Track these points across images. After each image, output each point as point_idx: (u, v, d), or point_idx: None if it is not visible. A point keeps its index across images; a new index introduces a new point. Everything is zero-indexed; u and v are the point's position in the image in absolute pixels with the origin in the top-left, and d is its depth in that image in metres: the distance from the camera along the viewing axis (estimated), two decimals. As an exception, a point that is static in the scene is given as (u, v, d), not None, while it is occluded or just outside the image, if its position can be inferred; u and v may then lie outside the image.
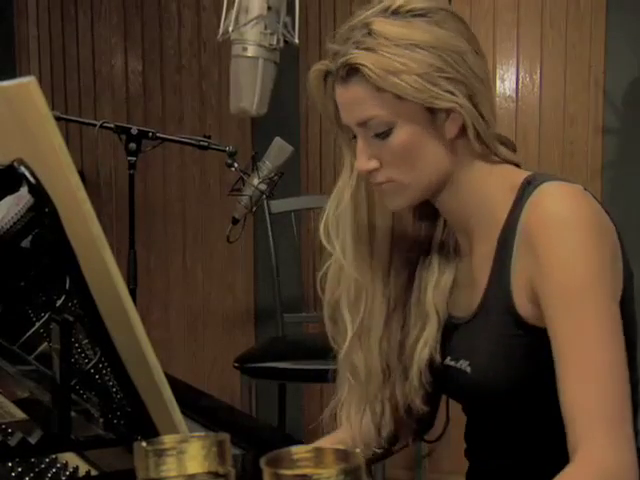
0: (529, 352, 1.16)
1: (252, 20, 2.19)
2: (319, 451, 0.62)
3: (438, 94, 1.12)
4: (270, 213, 3.09)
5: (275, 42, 2.23)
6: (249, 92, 2.24)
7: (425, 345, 1.25)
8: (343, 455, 0.62)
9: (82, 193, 0.71)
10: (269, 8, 2.20)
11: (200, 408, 1.19)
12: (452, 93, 1.13)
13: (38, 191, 0.81)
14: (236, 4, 2.19)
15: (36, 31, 3.93)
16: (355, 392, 1.33)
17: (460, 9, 3.25)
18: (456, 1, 3.27)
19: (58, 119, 2.46)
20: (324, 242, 1.26)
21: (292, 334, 3.20)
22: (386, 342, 1.30)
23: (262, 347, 3.13)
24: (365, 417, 1.33)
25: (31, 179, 0.81)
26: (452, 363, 1.25)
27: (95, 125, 2.46)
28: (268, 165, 2.50)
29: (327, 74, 1.20)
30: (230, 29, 2.19)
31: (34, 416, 1.06)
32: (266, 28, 2.21)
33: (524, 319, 1.15)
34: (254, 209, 2.54)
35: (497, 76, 3.27)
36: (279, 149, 2.53)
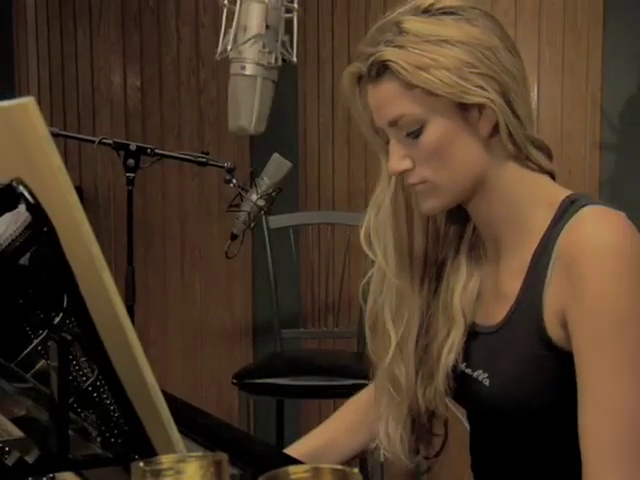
0: (554, 375, 1.14)
1: (250, 39, 2.20)
2: (317, 471, 0.62)
3: (469, 89, 1.10)
4: (269, 229, 3.10)
5: (273, 60, 2.24)
6: (247, 111, 2.24)
7: (451, 350, 1.22)
8: (342, 475, 0.61)
9: (81, 213, 0.71)
10: (267, 27, 2.21)
11: (198, 426, 1.19)
12: (483, 88, 1.10)
13: (37, 211, 0.81)
14: (234, 22, 2.20)
15: (35, 47, 3.94)
16: (394, 404, 1.30)
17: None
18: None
19: (56, 135, 2.47)
20: (365, 249, 1.24)
21: (290, 350, 3.20)
22: (419, 349, 1.27)
23: (260, 363, 3.12)
24: (400, 429, 1.31)
25: (30, 198, 0.81)
26: (468, 371, 1.23)
27: (94, 141, 2.46)
28: (266, 181, 2.50)
29: (360, 78, 1.18)
30: (229, 48, 2.20)
31: (32, 434, 1.06)
32: (264, 47, 2.22)
33: (553, 341, 1.12)
34: (253, 225, 2.54)
35: (495, 92, 3.28)
36: (277, 165, 2.54)
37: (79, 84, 3.89)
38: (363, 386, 2.59)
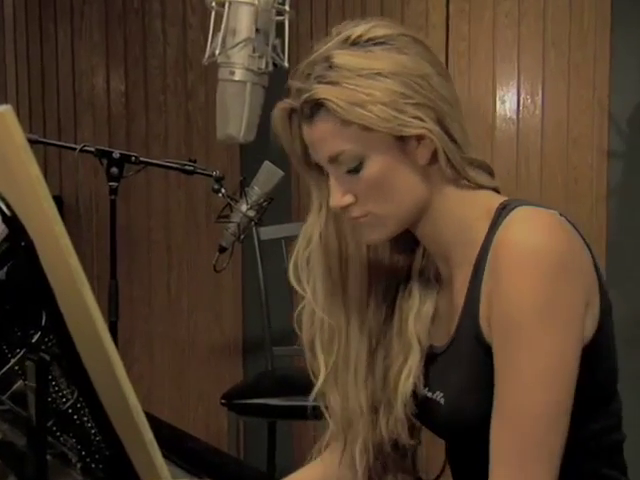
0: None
1: (240, 43, 2.20)
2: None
3: (406, 121, 1.14)
4: (259, 240, 3.10)
5: (264, 66, 2.24)
6: (236, 118, 2.24)
7: (408, 376, 1.27)
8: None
9: (60, 226, 0.72)
10: (257, 30, 2.21)
11: (183, 450, 1.19)
12: (420, 119, 1.15)
13: (14, 223, 0.82)
14: (223, 26, 2.20)
15: (13, 49, 3.94)
16: (335, 437, 1.37)
17: (458, 27, 3.29)
18: (454, 20, 3.30)
19: (36, 142, 2.47)
20: (294, 284, 1.29)
21: (282, 368, 3.19)
22: (371, 378, 1.32)
23: (250, 382, 3.12)
24: (344, 459, 1.37)
25: (6, 211, 0.81)
26: (429, 394, 1.27)
27: (75, 149, 2.46)
28: (257, 190, 2.50)
29: (292, 112, 1.23)
30: (217, 52, 2.20)
31: (7, 460, 1.06)
32: (254, 51, 2.22)
33: (490, 346, 1.15)
34: (242, 237, 2.54)
35: (497, 97, 3.29)
36: (268, 174, 2.53)
37: (60, 88, 3.90)
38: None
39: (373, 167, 1.17)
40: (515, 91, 3.27)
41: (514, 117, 3.27)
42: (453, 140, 1.18)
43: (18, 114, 0.70)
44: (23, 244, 0.82)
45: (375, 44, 1.17)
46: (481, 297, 1.17)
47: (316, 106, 1.16)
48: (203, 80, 3.63)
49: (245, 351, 3.74)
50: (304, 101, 1.18)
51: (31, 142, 2.36)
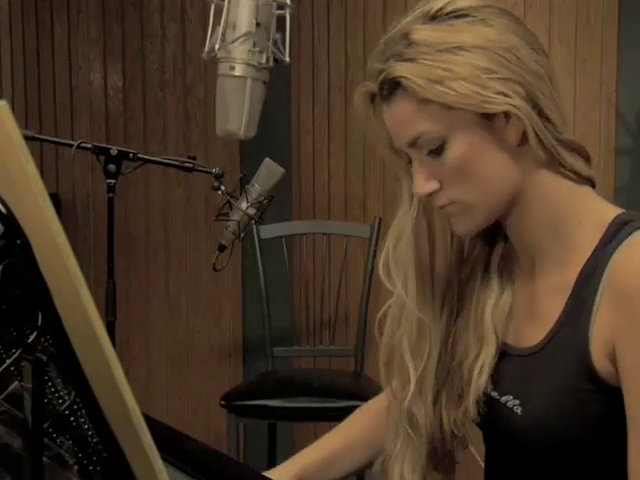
0: (595, 411, 1.11)
1: (240, 37, 2.20)
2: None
3: (489, 97, 1.07)
4: (259, 239, 3.10)
5: (264, 60, 2.24)
6: (236, 114, 2.25)
7: (482, 371, 1.20)
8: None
9: (57, 225, 0.71)
10: (258, 24, 2.21)
11: (182, 453, 1.19)
12: (505, 94, 1.08)
13: (9, 222, 0.82)
14: (223, 20, 2.21)
15: (9, 43, 3.94)
16: (411, 447, 1.28)
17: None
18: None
19: (32, 139, 2.47)
20: (384, 280, 1.23)
21: (283, 369, 3.20)
22: (441, 371, 1.26)
23: (251, 383, 3.12)
24: (417, 474, 1.29)
25: (2, 209, 0.81)
26: (494, 394, 1.21)
27: (72, 145, 2.46)
28: (257, 188, 2.50)
29: (373, 97, 1.17)
30: (216, 47, 2.20)
31: (3, 463, 1.06)
32: (255, 46, 2.22)
33: (599, 375, 1.09)
34: (242, 235, 2.54)
35: (502, 93, 3.29)
36: (269, 171, 2.54)
37: (56, 84, 3.90)
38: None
39: (457, 149, 1.11)
40: (521, 87, 3.28)
41: (519, 113, 3.27)
42: (545, 118, 1.11)
43: (14, 110, 0.70)
44: (19, 242, 0.82)
45: (457, 17, 1.10)
46: (593, 321, 1.09)
47: (393, 85, 1.11)
48: (202, 76, 3.63)
49: (245, 352, 3.75)
50: (382, 81, 1.12)
51: (27, 139, 2.36)
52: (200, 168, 2.49)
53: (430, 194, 1.15)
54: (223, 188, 2.47)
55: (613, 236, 1.10)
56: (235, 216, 2.49)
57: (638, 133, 3.14)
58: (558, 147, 1.13)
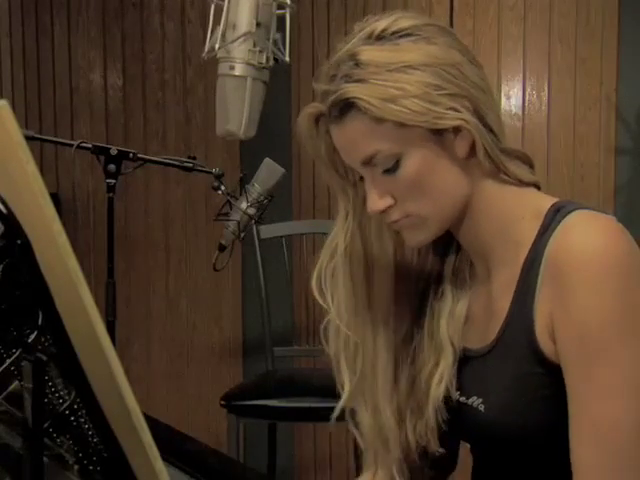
0: (550, 393, 1.13)
1: (240, 37, 2.20)
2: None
3: (441, 113, 1.11)
4: (259, 239, 3.10)
5: (264, 60, 2.24)
6: (236, 114, 2.24)
7: (440, 380, 1.23)
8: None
9: (57, 224, 0.71)
10: (258, 24, 2.21)
11: (183, 453, 1.19)
12: (455, 109, 1.12)
13: (10, 221, 0.82)
14: (223, 20, 2.20)
15: (8, 43, 3.94)
16: (369, 457, 1.33)
17: (463, 22, 3.29)
18: (459, 13, 3.30)
19: (32, 139, 2.47)
20: (317, 298, 1.25)
21: (283, 369, 3.20)
22: (396, 389, 1.29)
23: (251, 383, 3.12)
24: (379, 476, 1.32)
25: (2, 208, 0.81)
26: (463, 399, 1.24)
27: (72, 145, 2.46)
28: (257, 188, 2.50)
29: (318, 117, 1.20)
30: (216, 46, 2.20)
31: (4, 462, 1.06)
32: (255, 45, 2.22)
33: (546, 356, 1.13)
34: (242, 235, 2.54)
35: (502, 93, 3.29)
36: (269, 171, 2.54)
37: (56, 84, 3.90)
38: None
39: (411, 165, 1.14)
40: (520, 87, 3.27)
41: (519, 113, 3.27)
42: (490, 130, 1.15)
43: (14, 110, 0.70)
44: (19, 242, 0.82)
45: (401, 36, 1.14)
46: (536, 304, 1.13)
47: (346, 107, 1.13)
48: (202, 76, 3.63)
49: (245, 352, 3.75)
50: (332, 103, 1.14)
51: (27, 138, 2.36)
52: (200, 168, 2.49)
53: (384, 210, 1.18)
54: (223, 188, 2.47)
55: (549, 224, 1.14)
56: (235, 216, 2.49)
57: (638, 133, 3.14)
58: (502, 157, 1.17)
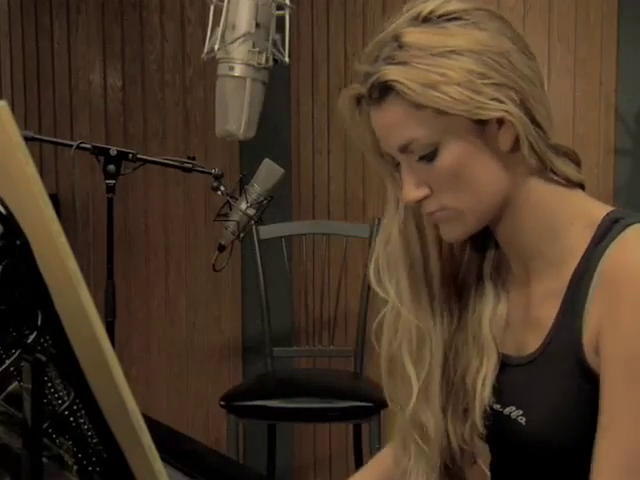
0: (594, 409, 1.08)
1: (239, 38, 2.20)
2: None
3: (483, 103, 1.06)
4: (259, 239, 3.10)
5: (264, 61, 2.24)
6: (236, 114, 2.25)
7: (485, 384, 1.18)
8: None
9: (56, 225, 0.72)
10: (257, 25, 2.21)
11: (182, 453, 1.19)
12: (499, 100, 1.06)
13: (9, 222, 0.82)
14: (222, 21, 2.21)
15: (8, 44, 3.94)
16: (423, 456, 1.26)
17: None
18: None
19: (31, 139, 2.47)
20: (375, 286, 1.22)
21: (282, 370, 3.20)
22: (446, 384, 1.24)
23: (250, 384, 3.12)
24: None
25: (2, 209, 0.81)
26: (497, 407, 1.20)
27: (71, 146, 2.46)
28: (257, 188, 2.51)
29: (359, 99, 1.15)
30: (216, 47, 2.20)
31: (3, 463, 1.06)
32: (254, 46, 2.22)
33: (592, 371, 1.09)
34: (242, 235, 2.54)
35: (502, 93, 3.29)
36: (268, 171, 2.54)
37: (55, 84, 3.90)
38: (361, 408, 2.60)
39: (449, 155, 1.09)
40: (520, 87, 3.27)
41: (519, 114, 3.26)
42: (537, 124, 1.10)
43: (13, 110, 0.70)
44: (19, 243, 0.82)
45: (449, 20, 1.08)
46: (585, 317, 1.09)
47: (385, 89, 1.09)
48: (202, 76, 3.63)
49: (244, 352, 3.74)
50: (372, 84, 1.10)
51: (26, 139, 2.36)
52: (199, 168, 2.49)
53: (419, 200, 1.14)
54: (223, 188, 2.47)
55: (604, 235, 1.09)
56: (235, 216, 2.49)
57: (637, 133, 3.14)
58: (549, 153, 1.12)
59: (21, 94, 3.93)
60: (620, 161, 3.15)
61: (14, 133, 0.70)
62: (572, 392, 1.11)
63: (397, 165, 1.17)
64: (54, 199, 3.76)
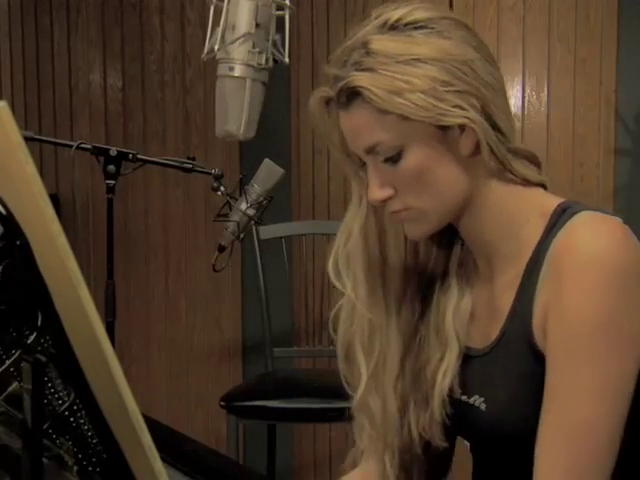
0: None
1: (239, 38, 2.20)
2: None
3: (446, 110, 1.11)
4: (259, 240, 3.10)
5: (264, 61, 2.24)
6: (236, 115, 2.24)
7: (445, 374, 1.24)
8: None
9: (57, 225, 0.72)
10: (257, 25, 2.21)
11: (182, 454, 1.19)
12: (461, 107, 1.12)
13: (9, 222, 0.82)
14: (222, 21, 2.21)
15: (8, 44, 3.94)
16: (373, 440, 1.32)
17: (462, 22, 3.28)
18: (458, 14, 3.30)
19: (31, 140, 2.47)
20: (333, 280, 1.27)
21: (282, 370, 3.20)
22: (402, 378, 1.29)
23: (250, 384, 3.12)
24: (381, 465, 1.32)
25: (2, 209, 0.81)
26: (464, 398, 1.24)
27: (71, 146, 2.46)
28: (257, 188, 2.50)
29: (328, 100, 1.20)
30: (216, 47, 2.20)
31: (3, 463, 1.06)
32: (254, 46, 2.22)
33: (542, 354, 1.13)
34: (242, 236, 2.54)
35: (502, 94, 3.29)
36: (268, 171, 2.54)
37: (56, 84, 3.90)
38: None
39: (412, 158, 1.15)
40: (520, 87, 3.27)
41: (519, 114, 3.27)
42: (497, 129, 1.15)
43: (13, 111, 0.70)
44: (19, 243, 0.82)
45: (415, 28, 1.14)
46: (535, 302, 1.14)
47: (352, 94, 1.14)
48: (202, 76, 3.63)
49: (244, 352, 3.74)
50: (340, 89, 1.15)
51: (26, 140, 2.36)
52: (199, 169, 2.49)
53: (384, 200, 1.19)
54: (222, 189, 2.47)
55: (555, 224, 1.14)
56: (235, 217, 2.49)
57: (637, 133, 3.14)
58: (509, 157, 1.17)
59: (21, 94, 3.93)
60: (620, 161, 3.15)
61: (14, 133, 0.70)
62: (527, 377, 1.14)
63: (363, 165, 1.22)
64: (54, 199, 3.76)
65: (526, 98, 3.26)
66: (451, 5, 3.32)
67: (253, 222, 2.54)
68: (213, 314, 3.75)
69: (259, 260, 3.11)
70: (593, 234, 1.09)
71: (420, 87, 1.10)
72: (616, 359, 1.07)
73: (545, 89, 3.24)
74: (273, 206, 2.57)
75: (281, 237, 3.12)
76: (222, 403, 2.79)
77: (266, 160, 2.56)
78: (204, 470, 1.16)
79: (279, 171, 2.53)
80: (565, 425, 1.08)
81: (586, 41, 3.18)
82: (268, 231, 3.09)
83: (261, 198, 2.50)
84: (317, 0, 3.49)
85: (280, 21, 2.32)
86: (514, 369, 1.17)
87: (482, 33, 3.46)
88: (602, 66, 3.17)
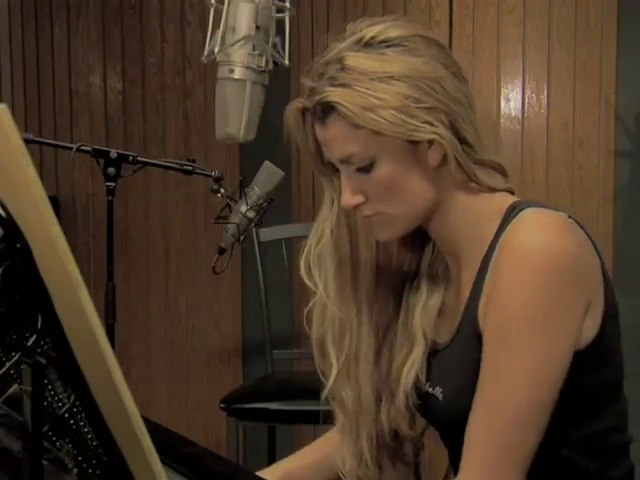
0: None
1: (239, 40, 2.20)
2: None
3: (416, 126, 1.17)
4: (259, 242, 3.10)
5: (264, 64, 2.24)
6: (236, 117, 2.24)
7: (411, 368, 1.32)
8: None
9: (57, 228, 0.71)
10: (257, 28, 2.21)
11: (182, 456, 1.19)
12: (431, 123, 1.18)
13: (9, 225, 0.82)
14: (222, 23, 2.21)
15: (8, 46, 3.95)
16: (346, 428, 1.40)
17: (462, 25, 3.29)
18: (458, 16, 3.30)
19: (31, 142, 2.47)
20: (305, 279, 1.34)
21: (283, 372, 3.19)
22: (377, 372, 1.36)
23: (250, 386, 3.12)
24: (356, 452, 1.40)
25: (2, 212, 0.81)
26: (429, 389, 1.32)
27: (71, 148, 2.46)
28: (257, 191, 2.50)
29: (305, 110, 1.27)
30: (216, 50, 2.20)
31: (3, 466, 1.06)
32: (254, 49, 2.22)
33: None
34: (242, 238, 2.54)
35: (501, 96, 3.29)
36: (268, 174, 2.54)
37: (56, 87, 3.90)
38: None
39: (384, 169, 1.21)
40: (520, 89, 3.27)
41: (519, 116, 3.27)
42: (465, 142, 1.21)
43: (13, 113, 0.70)
44: (19, 246, 0.82)
45: (388, 46, 1.19)
46: (482, 295, 1.20)
47: (327, 109, 1.20)
48: (202, 78, 3.64)
49: (245, 354, 3.75)
50: (316, 102, 1.22)
51: (27, 142, 2.36)
52: (200, 171, 2.49)
53: (356, 206, 1.26)
54: (223, 191, 2.47)
55: (505, 221, 1.21)
56: (235, 219, 2.49)
57: (637, 135, 3.14)
58: (474, 168, 1.24)
59: (21, 96, 3.93)
60: (620, 163, 3.15)
61: (14, 135, 0.70)
62: (473, 364, 1.20)
63: (337, 171, 1.29)
64: (54, 201, 3.76)
65: (526, 100, 3.27)
66: (451, 8, 3.32)
67: (253, 224, 2.54)
68: (213, 316, 3.76)
69: (259, 262, 3.11)
70: (531, 228, 1.15)
71: (392, 104, 1.16)
72: (543, 349, 1.13)
73: (545, 91, 3.24)
74: (273, 208, 2.57)
75: (281, 239, 3.12)
76: (222, 405, 2.79)
77: (266, 162, 2.56)
78: (204, 472, 1.16)
79: (279, 173, 2.53)
80: (485, 405, 1.15)
81: (586, 43, 3.19)
82: (268, 233, 3.09)
83: (261, 200, 2.50)
84: (317, 2, 3.50)
85: (280, 23, 2.32)
86: (467, 359, 1.23)
87: (482, 35, 3.48)
88: (602, 68, 3.17)
